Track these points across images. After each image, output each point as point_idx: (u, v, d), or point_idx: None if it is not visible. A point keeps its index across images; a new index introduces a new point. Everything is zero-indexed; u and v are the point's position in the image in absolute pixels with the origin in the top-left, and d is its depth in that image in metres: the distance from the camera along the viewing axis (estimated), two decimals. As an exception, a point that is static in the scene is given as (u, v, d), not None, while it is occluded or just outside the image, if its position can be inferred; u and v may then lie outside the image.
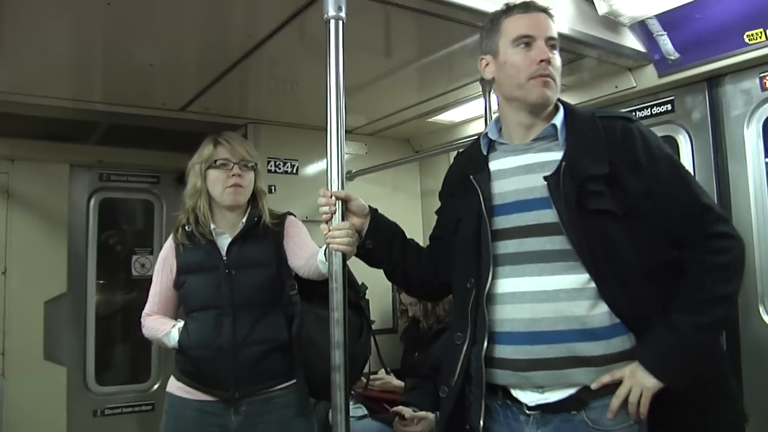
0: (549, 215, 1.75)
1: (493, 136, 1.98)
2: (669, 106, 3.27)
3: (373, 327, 2.78)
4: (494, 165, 1.94)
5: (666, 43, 3.03)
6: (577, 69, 3.35)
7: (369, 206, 2.11)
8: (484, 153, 1.98)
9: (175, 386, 2.52)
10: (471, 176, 1.93)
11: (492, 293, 1.81)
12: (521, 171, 1.85)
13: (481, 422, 1.79)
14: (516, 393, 1.79)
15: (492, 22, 1.94)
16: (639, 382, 1.65)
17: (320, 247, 2.39)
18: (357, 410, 3.45)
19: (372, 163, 4.44)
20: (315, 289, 2.51)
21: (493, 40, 1.92)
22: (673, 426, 1.71)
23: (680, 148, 3.21)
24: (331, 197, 1.98)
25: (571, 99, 3.55)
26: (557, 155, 1.80)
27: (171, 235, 2.64)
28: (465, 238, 1.90)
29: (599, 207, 1.71)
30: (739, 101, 3.01)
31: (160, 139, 4.56)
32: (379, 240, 2.10)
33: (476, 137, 2.08)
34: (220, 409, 2.43)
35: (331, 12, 1.97)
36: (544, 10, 1.89)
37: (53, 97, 3.62)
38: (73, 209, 4.78)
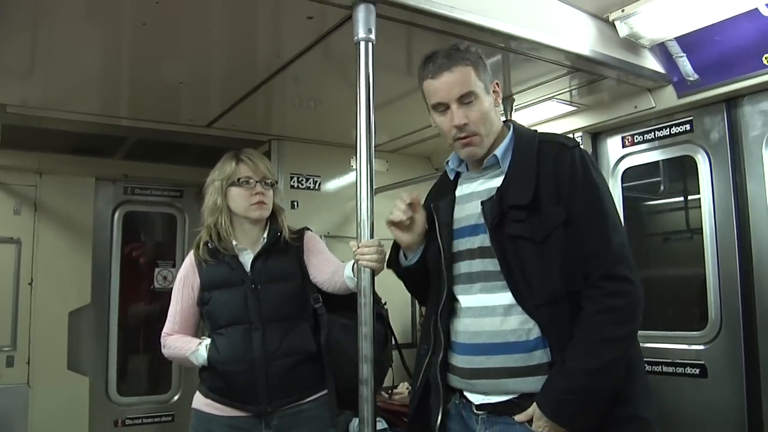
0: (488, 239, 1.88)
1: (453, 165, 2.12)
2: (688, 127, 3.30)
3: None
4: (459, 191, 2.08)
5: (685, 65, 3.07)
6: (597, 89, 3.41)
7: None
8: (451, 178, 2.12)
9: (202, 402, 2.49)
10: (431, 205, 2.09)
11: (454, 308, 1.99)
12: (474, 197, 1.98)
13: (437, 423, 1.96)
14: (466, 394, 1.95)
15: (418, 76, 2.03)
16: (543, 425, 1.75)
17: (345, 262, 2.43)
18: (377, 423, 3.47)
19: (392, 180, 4.47)
20: (336, 299, 2.54)
21: (424, 98, 2.04)
22: None
23: (699, 168, 3.25)
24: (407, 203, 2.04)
25: (591, 118, 3.64)
26: (498, 182, 1.93)
27: (191, 253, 2.62)
28: (432, 260, 2.06)
29: (515, 233, 1.84)
30: (757, 122, 3.04)
31: (184, 154, 4.64)
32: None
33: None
34: (251, 424, 2.42)
35: (362, 34, 2.04)
36: (454, 64, 1.92)
37: (82, 113, 3.70)
38: (98, 222, 4.87)
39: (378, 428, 3.47)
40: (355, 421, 3.37)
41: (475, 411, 1.90)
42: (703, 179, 3.23)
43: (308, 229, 2.72)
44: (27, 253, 4.49)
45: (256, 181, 2.55)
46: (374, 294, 2.44)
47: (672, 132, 3.37)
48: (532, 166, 1.88)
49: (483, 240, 1.90)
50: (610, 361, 1.74)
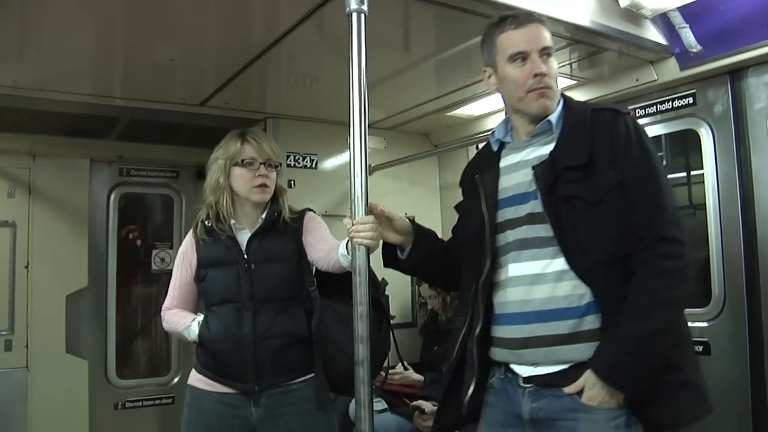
0: (539, 205, 1.86)
1: (499, 135, 2.10)
2: (691, 100, 3.23)
3: (393, 321, 2.77)
4: (503, 162, 2.06)
5: (688, 36, 3.00)
6: (597, 62, 3.34)
7: (411, 221, 2.21)
8: (495, 150, 2.10)
9: (196, 378, 2.52)
10: (477, 176, 2.06)
11: (496, 280, 1.97)
12: (522, 166, 1.96)
13: (467, 396, 1.96)
14: (513, 367, 1.92)
15: (487, 35, 2.02)
16: (597, 393, 1.74)
17: (341, 240, 2.39)
18: (377, 404, 3.45)
19: (391, 158, 4.43)
20: (334, 284, 2.51)
21: (491, 55, 2.01)
22: (648, 406, 1.76)
23: (702, 142, 3.18)
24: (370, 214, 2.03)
25: (592, 92, 3.57)
26: (549, 149, 1.91)
27: (191, 231, 2.63)
28: (470, 232, 2.05)
29: (569, 193, 1.82)
30: (762, 94, 2.97)
31: (179, 134, 4.58)
32: (423, 254, 2.19)
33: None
34: (241, 401, 2.43)
35: (353, 5, 1.97)
36: (536, 20, 1.97)
37: (74, 93, 3.65)
38: (94, 204, 4.84)
39: (379, 409, 3.49)
40: (354, 403, 3.37)
41: (521, 384, 1.88)
42: (707, 153, 3.17)
43: (311, 210, 2.69)
44: (22, 237, 4.46)
45: (261, 163, 2.52)
46: (374, 279, 2.42)
47: (674, 105, 3.31)
48: (587, 129, 1.88)
49: (534, 206, 1.88)
50: (665, 324, 1.74)
